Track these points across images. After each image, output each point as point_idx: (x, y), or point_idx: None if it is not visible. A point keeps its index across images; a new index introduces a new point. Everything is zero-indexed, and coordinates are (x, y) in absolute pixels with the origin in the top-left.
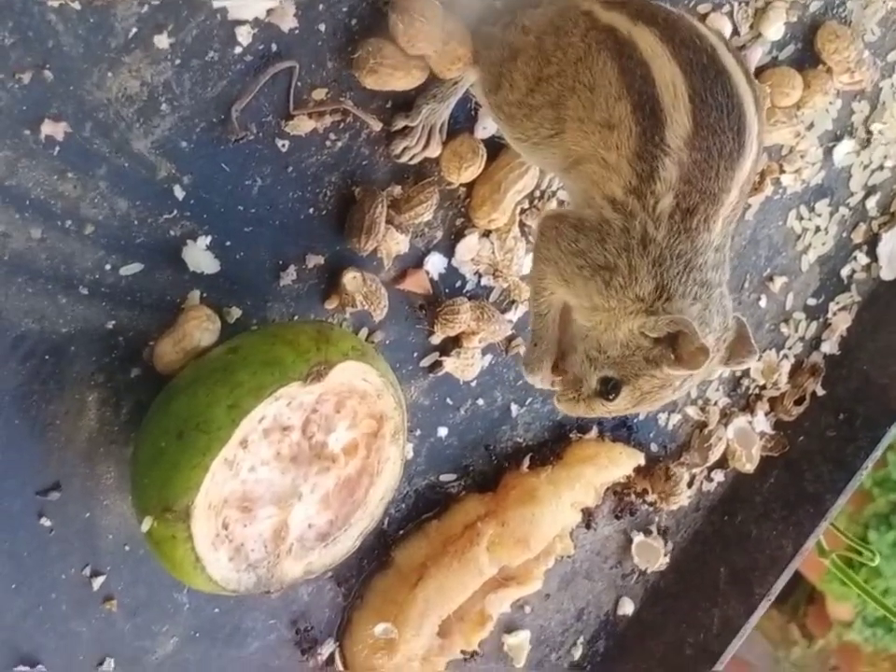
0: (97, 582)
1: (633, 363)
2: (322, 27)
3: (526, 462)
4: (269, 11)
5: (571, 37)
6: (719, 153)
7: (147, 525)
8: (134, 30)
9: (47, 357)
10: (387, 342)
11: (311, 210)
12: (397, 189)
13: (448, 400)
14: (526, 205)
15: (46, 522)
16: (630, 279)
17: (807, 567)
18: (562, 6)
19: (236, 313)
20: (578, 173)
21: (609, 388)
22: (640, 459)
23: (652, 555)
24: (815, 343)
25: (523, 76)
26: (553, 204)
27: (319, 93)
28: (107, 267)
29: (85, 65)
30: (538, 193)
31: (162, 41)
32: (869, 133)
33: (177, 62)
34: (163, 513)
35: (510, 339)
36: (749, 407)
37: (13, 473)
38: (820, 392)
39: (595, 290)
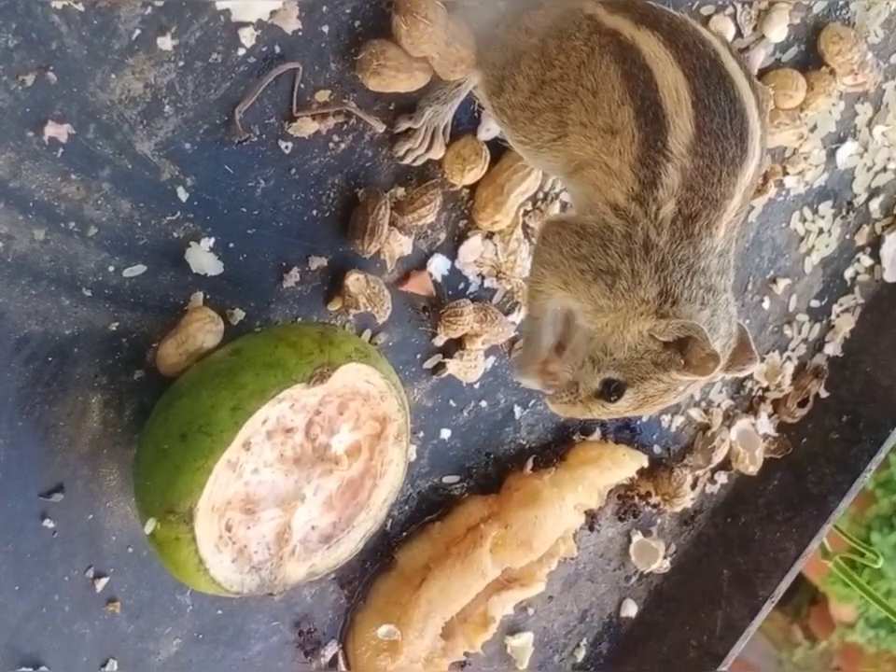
0: (100, 584)
1: (640, 366)
2: (325, 29)
3: (530, 464)
4: (272, 13)
5: (574, 41)
6: (721, 159)
7: (150, 526)
8: (138, 32)
9: (50, 358)
10: (390, 344)
11: (314, 212)
12: (400, 191)
13: (451, 402)
14: (529, 207)
15: (49, 523)
16: (633, 283)
17: (810, 569)
18: (566, 8)
19: (239, 314)
20: (580, 177)
21: (611, 390)
22: (644, 461)
23: (651, 556)
24: (818, 345)
25: (526, 78)
26: (556, 207)
27: (322, 95)
28: (111, 269)
29: (88, 67)
30: (541, 195)
31: (166, 43)
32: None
33: (181, 63)
34: (167, 515)
35: (513, 341)
36: (752, 409)
37: (16, 475)
38: (824, 394)
39: (599, 293)
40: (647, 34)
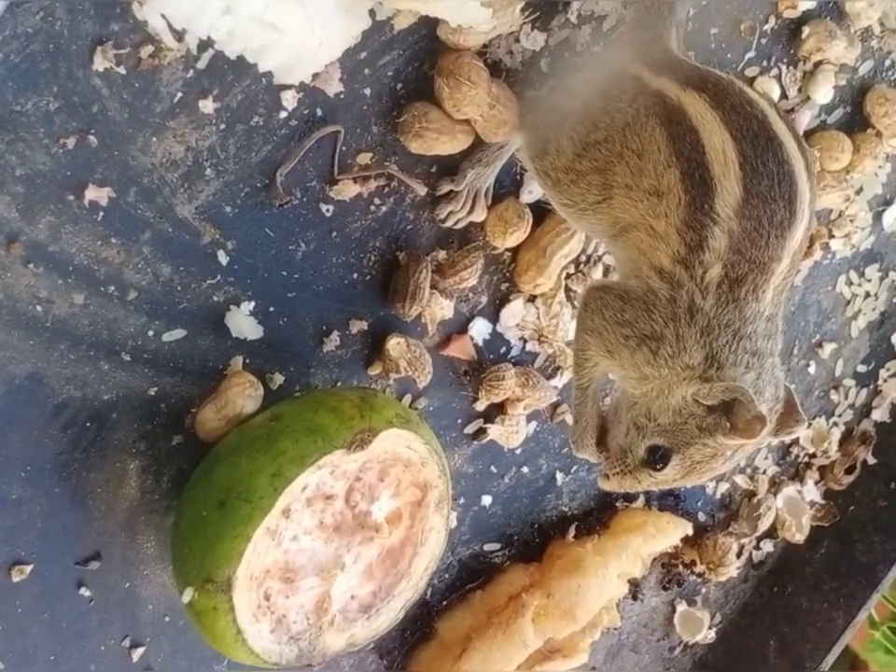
0: (137, 654)
1: (685, 431)
2: (367, 91)
3: (572, 531)
4: (314, 76)
5: (619, 102)
6: (769, 222)
7: (188, 595)
8: (179, 95)
9: (88, 424)
10: (431, 408)
11: (355, 275)
12: (441, 254)
13: (492, 468)
14: (572, 270)
15: (86, 592)
16: (678, 348)
17: (854, 642)
18: (610, 70)
19: (279, 379)
20: (625, 241)
21: (657, 458)
22: (688, 529)
23: (696, 626)
24: (865, 410)
25: (570, 141)
26: (599, 270)
27: (364, 158)
28: (150, 333)
29: (130, 130)
30: (583, 258)
31: (207, 106)
32: None
33: (222, 126)
34: (205, 584)
35: (555, 405)
36: (798, 476)
37: (53, 542)
38: (871, 460)
39: (643, 360)
40: (693, 95)
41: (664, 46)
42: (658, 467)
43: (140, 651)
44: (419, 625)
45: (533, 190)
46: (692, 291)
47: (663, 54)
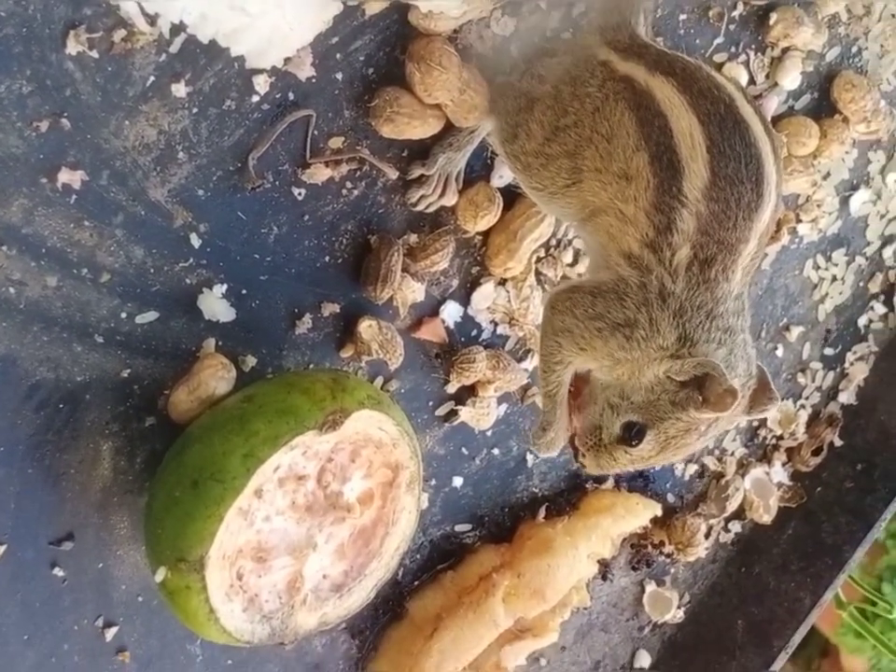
0: (110, 633)
1: (658, 407)
2: (339, 76)
3: (542, 512)
4: (286, 60)
5: (588, 87)
6: (737, 204)
7: (160, 575)
8: (152, 78)
9: (61, 405)
10: (403, 390)
11: (327, 258)
12: (413, 238)
13: (463, 450)
14: (542, 254)
15: (59, 572)
16: (651, 331)
17: (821, 619)
18: (579, 55)
19: (251, 361)
20: (594, 225)
21: (633, 434)
22: (657, 510)
23: (665, 606)
24: (832, 393)
25: (539, 125)
26: (569, 253)
27: (336, 142)
28: (123, 315)
29: (102, 114)
30: (553, 242)
31: (180, 90)
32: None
33: (195, 110)
34: (177, 564)
35: (525, 388)
36: (766, 457)
37: (26, 523)
38: (838, 443)
39: (617, 346)
40: (661, 80)
41: (632, 31)
42: (634, 443)
43: (113, 630)
44: (391, 605)
45: (504, 175)
46: (661, 275)
47: (631, 40)
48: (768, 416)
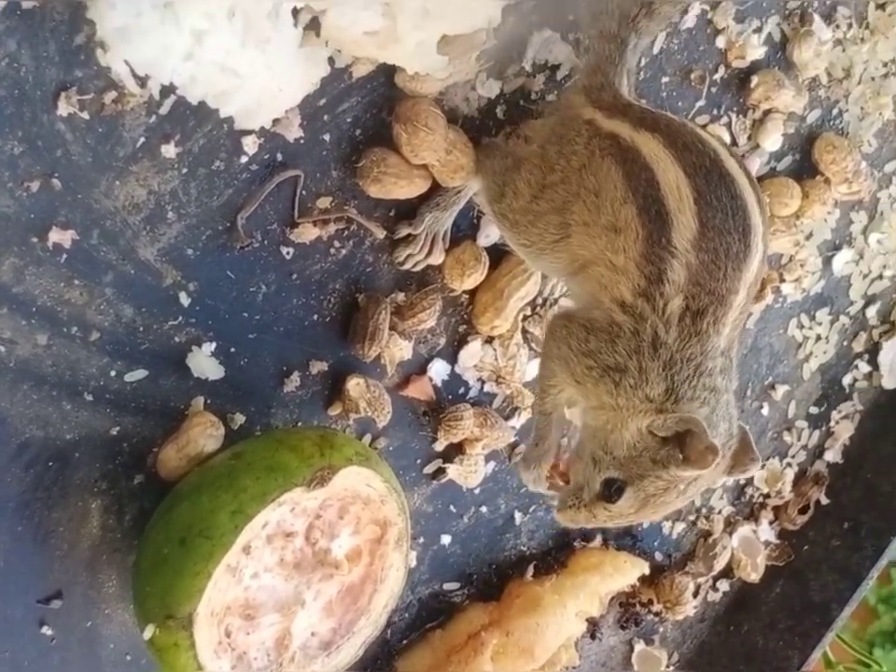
0: None
1: (639, 464)
2: (327, 137)
3: (530, 571)
4: (275, 121)
5: (575, 145)
6: (725, 254)
7: (149, 632)
8: (142, 139)
9: (50, 463)
10: (391, 448)
11: (315, 317)
12: (400, 296)
13: (451, 508)
14: (529, 312)
15: (47, 630)
16: (640, 380)
17: None
18: (564, 115)
19: (240, 419)
20: (585, 276)
21: (612, 491)
22: (645, 568)
23: (654, 665)
24: (818, 451)
25: (526, 184)
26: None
27: (324, 202)
28: (112, 373)
29: (93, 174)
30: (540, 300)
31: (170, 150)
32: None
33: (184, 171)
34: (166, 621)
35: (513, 446)
36: (753, 516)
37: (15, 581)
38: (825, 501)
39: (605, 391)
40: (646, 135)
41: (616, 91)
42: (613, 499)
43: None
44: (379, 664)
45: (490, 234)
46: (655, 324)
47: (615, 99)
48: (754, 475)
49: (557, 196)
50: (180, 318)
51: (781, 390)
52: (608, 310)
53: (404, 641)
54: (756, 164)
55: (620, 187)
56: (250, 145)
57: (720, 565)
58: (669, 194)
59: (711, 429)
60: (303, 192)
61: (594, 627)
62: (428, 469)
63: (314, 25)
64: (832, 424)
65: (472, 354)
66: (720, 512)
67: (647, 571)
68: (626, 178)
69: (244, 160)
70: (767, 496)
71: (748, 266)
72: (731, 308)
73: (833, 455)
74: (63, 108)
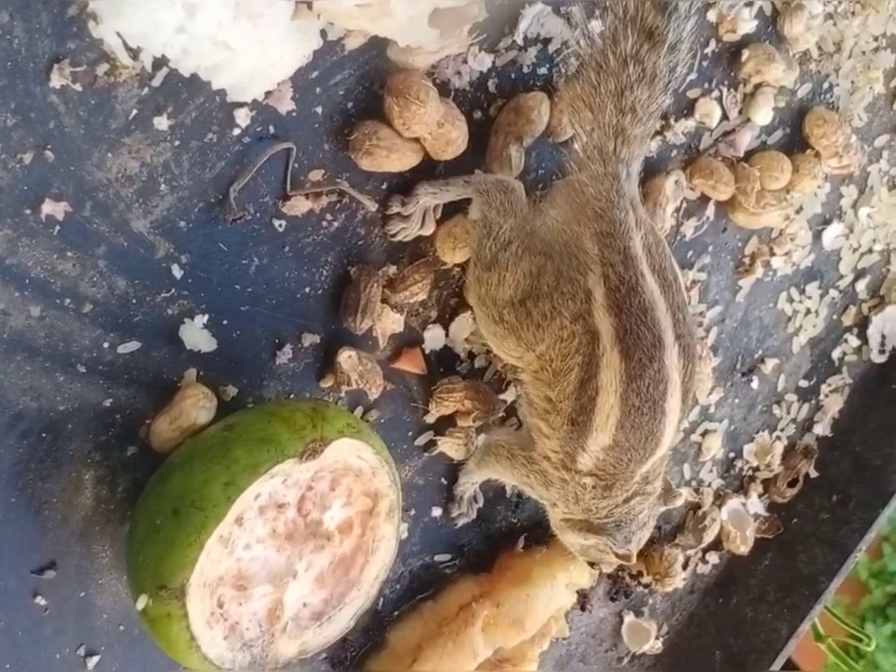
0: (92, 662)
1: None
2: (319, 110)
3: (521, 542)
4: (267, 94)
5: (564, 308)
6: (630, 459)
7: (142, 602)
8: (135, 112)
9: (44, 434)
10: (382, 420)
11: (307, 289)
12: (392, 269)
13: (442, 480)
14: None
15: (41, 601)
16: (566, 509)
17: (803, 659)
18: (573, 256)
19: (232, 391)
20: (529, 406)
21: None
22: None
23: (643, 637)
24: (807, 424)
25: (515, 285)
26: None
27: (316, 174)
28: (105, 345)
29: (86, 146)
30: None
31: (162, 123)
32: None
33: (177, 143)
34: (158, 591)
35: (503, 419)
36: (742, 489)
37: (8, 552)
38: (814, 474)
39: (537, 483)
40: (618, 357)
41: (619, 187)
42: None
43: (95, 659)
44: (370, 635)
45: None
46: (574, 487)
47: (612, 226)
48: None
49: (531, 323)
50: (173, 290)
51: (771, 364)
52: (540, 456)
53: (395, 612)
54: (747, 138)
55: (573, 384)
56: (242, 117)
57: (709, 537)
58: (598, 416)
59: (626, 537)
60: (296, 165)
61: (584, 599)
62: (420, 442)
63: None
64: (821, 397)
65: (463, 326)
66: (709, 485)
67: None
68: (581, 385)
69: (236, 132)
70: (757, 469)
71: (651, 459)
72: (636, 475)
73: (822, 429)
74: (56, 80)
